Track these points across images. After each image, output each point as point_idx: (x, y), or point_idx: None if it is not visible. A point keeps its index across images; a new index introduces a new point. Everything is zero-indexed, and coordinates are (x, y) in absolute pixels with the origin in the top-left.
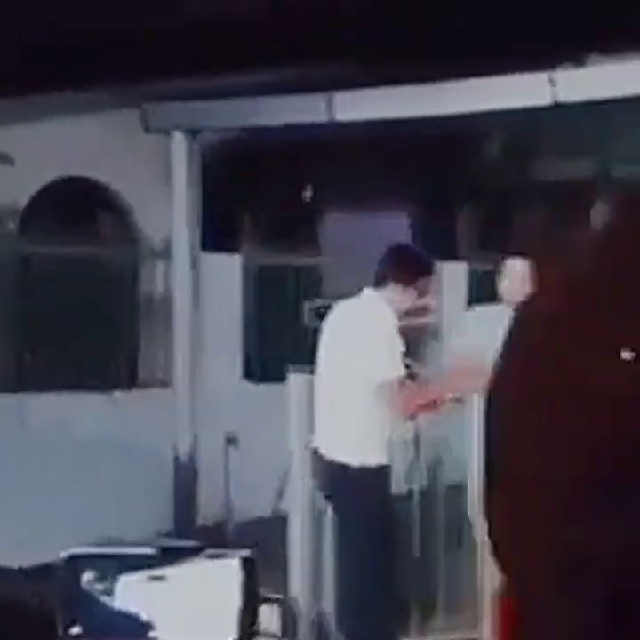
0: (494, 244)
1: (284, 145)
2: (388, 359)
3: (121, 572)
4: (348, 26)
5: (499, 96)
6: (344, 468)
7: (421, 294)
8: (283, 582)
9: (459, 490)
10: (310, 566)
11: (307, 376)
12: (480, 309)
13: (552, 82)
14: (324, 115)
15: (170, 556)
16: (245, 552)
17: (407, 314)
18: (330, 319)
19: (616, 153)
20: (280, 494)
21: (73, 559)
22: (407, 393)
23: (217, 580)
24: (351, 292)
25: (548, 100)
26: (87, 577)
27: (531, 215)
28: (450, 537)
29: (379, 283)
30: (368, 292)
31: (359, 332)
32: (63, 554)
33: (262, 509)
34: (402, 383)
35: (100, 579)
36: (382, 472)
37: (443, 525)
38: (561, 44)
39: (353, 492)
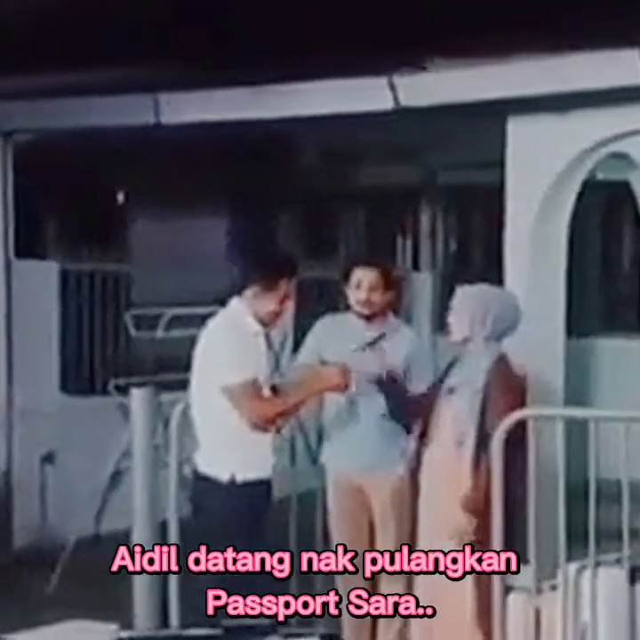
0: (321, 252)
1: (102, 147)
2: (231, 362)
3: None
4: (175, 26)
5: (339, 100)
6: (213, 483)
7: (283, 298)
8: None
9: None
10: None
11: (148, 389)
12: (330, 318)
13: (393, 87)
14: (150, 116)
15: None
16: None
17: (270, 319)
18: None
19: (444, 159)
20: (100, 514)
21: None
22: (264, 400)
23: None
24: (170, 298)
25: (391, 105)
26: None
27: (359, 222)
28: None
29: (240, 286)
30: (233, 299)
31: (210, 340)
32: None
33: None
34: (257, 390)
35: None
36: (256, 488)
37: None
38: (402, 49)
39: (221, 509)
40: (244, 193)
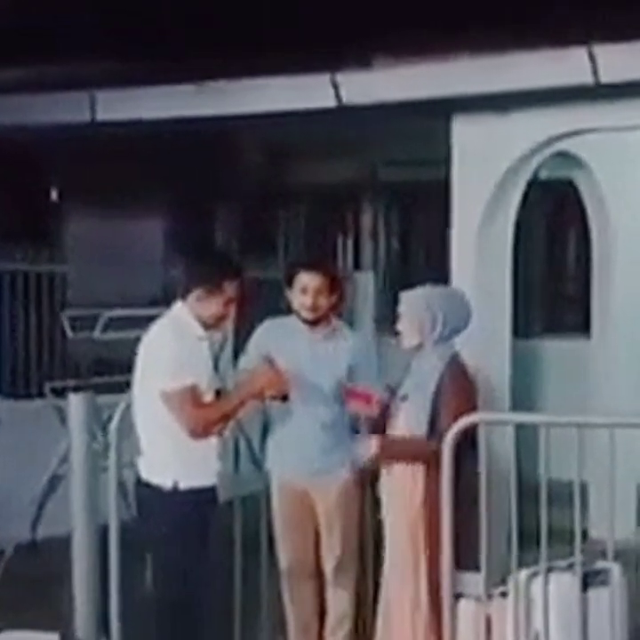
0: (260, 251)
1: (37, 144)
2: (171, 368)
3: None
4: (114, 22)
5: (281, 97)
6: (156, 490)
7: (227, 301)
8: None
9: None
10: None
11: (86, 394)
12: (271, 322)
13: (335, 84)
14: (86, 113)
15: None
16: None
17: (214, 322)
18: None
19: (386, 156)
20: (37, 520)
21: None
22: (199, 407)
23: None
24: (107, 299)
25: (333, 103)
26: None
27: (300, 221)
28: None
29: (184, 289)
30: (177, 303)
31: (152, 344)
32: None
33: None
34: (195, 396)
35: None
36: (200, 495)
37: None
38: (345, 46)
39: (165, 516)
40: (182, 191)
